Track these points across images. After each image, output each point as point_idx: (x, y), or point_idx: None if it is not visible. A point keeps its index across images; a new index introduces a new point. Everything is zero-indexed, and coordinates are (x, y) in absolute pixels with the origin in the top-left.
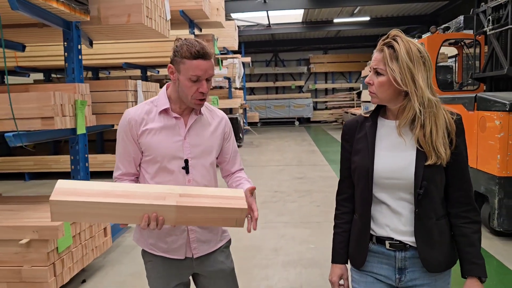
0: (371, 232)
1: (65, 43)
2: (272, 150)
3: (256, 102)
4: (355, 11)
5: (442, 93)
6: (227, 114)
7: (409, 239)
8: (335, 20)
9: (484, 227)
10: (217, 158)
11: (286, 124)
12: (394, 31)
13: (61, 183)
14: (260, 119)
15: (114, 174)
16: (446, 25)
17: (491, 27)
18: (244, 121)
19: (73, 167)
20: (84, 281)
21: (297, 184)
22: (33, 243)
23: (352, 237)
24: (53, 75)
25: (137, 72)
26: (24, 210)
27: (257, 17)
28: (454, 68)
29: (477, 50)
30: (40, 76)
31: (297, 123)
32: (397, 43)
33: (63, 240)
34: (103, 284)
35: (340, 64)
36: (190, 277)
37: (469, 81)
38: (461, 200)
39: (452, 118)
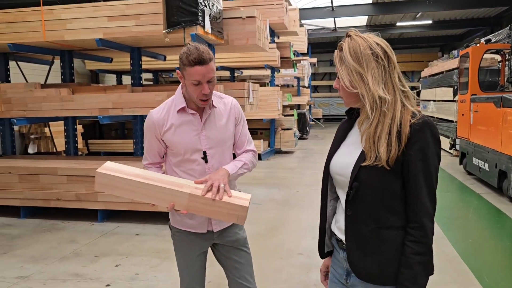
0: (332, 227)
1: None
2: None
3: (319, 99)
4: (417, 15)
5: (483, 93)
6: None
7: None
8: (398, 24)
9: (504, 196)
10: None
11: None
12: (350, 31)
13: (109, 163)
14: (323, 115)
15: (143, 162)
16: (488, 37)
17: None
18: (310, 116)
19: None
20: None
21: None
22: None
23: None
24: (159, 75)
25: (226, 73)
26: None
27: (324, 21)
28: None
29: None
30: (148, 75)
31: None
32: (345, 43)
33: None
34: None
35: (402, 64)
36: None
37: None
38: (409, 214)
39: (410, 120)
